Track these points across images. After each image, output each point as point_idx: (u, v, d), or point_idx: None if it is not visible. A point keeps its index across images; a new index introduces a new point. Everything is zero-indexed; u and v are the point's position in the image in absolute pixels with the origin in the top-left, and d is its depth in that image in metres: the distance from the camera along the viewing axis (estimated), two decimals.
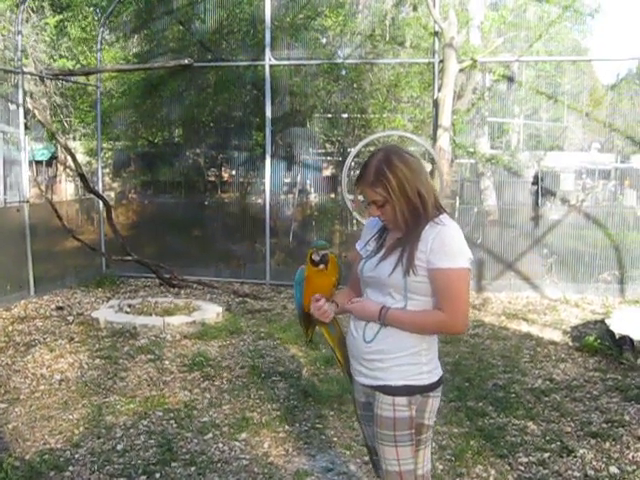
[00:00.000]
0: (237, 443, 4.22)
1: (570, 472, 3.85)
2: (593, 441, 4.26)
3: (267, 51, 9.33)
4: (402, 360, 2.35)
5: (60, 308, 7.85)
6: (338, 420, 4.59)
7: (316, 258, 2.56)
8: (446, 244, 2.27)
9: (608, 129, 9.81)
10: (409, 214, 2.31)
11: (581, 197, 10.17)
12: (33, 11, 12.37)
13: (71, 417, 4.61)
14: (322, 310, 2.50)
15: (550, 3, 9.95)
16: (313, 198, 10.65)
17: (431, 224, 2.30)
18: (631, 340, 5.76)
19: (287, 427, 4.48)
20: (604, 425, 4.51)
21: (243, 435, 4.33)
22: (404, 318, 2.32)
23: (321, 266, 2.55)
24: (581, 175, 11.02)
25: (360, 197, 2.39)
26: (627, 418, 4.64)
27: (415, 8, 10.16)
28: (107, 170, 11.83)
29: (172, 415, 4.65)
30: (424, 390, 2.38)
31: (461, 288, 2.29)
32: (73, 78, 10.96)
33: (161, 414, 4.67)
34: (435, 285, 2.30)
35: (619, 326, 6.12)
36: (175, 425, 4.49)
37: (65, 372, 5.55)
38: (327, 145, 11.00)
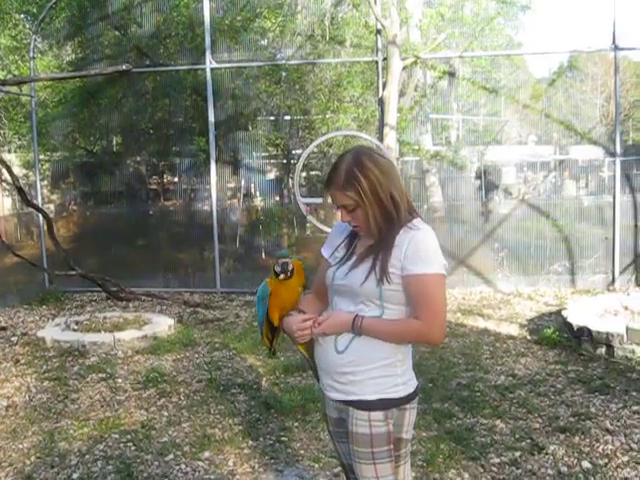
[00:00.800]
0: (200, 463, 4.03)
1: (543, 470, 3.79)
2: (562, 436, 4.22)
3: (207, 54, 9.14)
4: (376, 372, 2.22)
5: (3, 328, 7.50)
6: (303, 431, 4.44)
7: (278, 269, 2.39)
8: (420, 249, 2.15)
9: (544, 122, 9.93)
10: (382, 219, 2.19)
11: (523, 190, 10.27)
12: None
13: (21, 446, 4.34)
14: (305, 334, 2.31)
15: None
16: (259, 202, 10.50)
17: (405, 229, 2.18)
18: (589, 331, 5.78)
19: (251, 442, 4.32)
20: (571, 419, 4.49)
21: (206, 454, 4.15)
22: (380, 327, 2.20)
23: (281, 276, 2.39)
24: (522, 168, 11.16)
25: (329, 200, 2.25)
26: (593, 410, 4.62)
27: (355, 6, 10.11)
28: (45, 182, 11.40)
29: (129, 437, 4.43)
30: (400, 403, 2.26)
31: (437, 294, 2.17)
32: (5, 88, 10.55)
33: (117, 437, 4.44)
34: (409, 291, 2.17)
35: (576, 317, 6.14)
36: (133, 448, 4.27)
37: (12, 397, 5.26)
38: (270, 148, 10.84)
